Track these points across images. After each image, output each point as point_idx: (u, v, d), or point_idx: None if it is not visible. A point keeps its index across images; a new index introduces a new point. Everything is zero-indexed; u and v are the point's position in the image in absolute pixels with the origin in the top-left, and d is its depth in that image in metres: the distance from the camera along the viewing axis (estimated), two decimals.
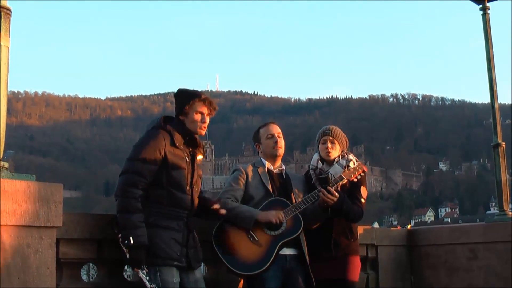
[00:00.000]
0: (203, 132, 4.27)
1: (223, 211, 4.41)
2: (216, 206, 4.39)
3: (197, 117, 4.21)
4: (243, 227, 4.55)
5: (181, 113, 4.21)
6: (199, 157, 4.27)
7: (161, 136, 4.04)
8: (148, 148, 3.99)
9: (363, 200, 4.97)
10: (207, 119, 4.25)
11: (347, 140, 5.17)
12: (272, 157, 4.90)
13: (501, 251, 6.36)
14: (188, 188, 4.12)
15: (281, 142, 4.89)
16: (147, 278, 3.83)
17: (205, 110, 4.24)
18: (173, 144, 4.07)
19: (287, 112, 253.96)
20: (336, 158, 5.03)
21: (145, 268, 3.85)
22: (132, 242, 3.78)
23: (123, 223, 3.84)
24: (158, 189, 4.01)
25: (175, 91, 4.35)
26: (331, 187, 4.64)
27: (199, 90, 4.48)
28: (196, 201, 4.21)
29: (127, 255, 3.83)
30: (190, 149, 4.22)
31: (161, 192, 4.01)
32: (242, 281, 4.90)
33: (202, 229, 4.41)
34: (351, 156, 5.04)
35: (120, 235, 3.84)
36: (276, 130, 4.91)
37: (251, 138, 5.05)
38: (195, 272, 4.17)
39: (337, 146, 5.06)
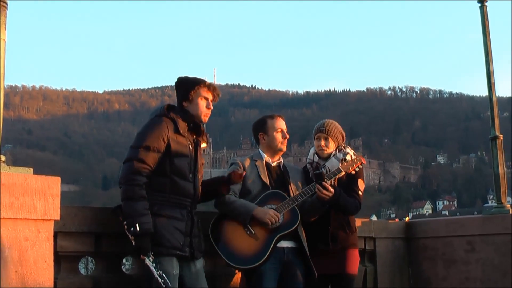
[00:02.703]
0: (207, 118, 4.28)
1: (243, 171, 4.48)
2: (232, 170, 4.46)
3: (203, 102, 4.22)
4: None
5: (185, 99, 4.21)
6: (203, 144, 4.27)
7: (165, 124, 4.04)
8: (152, 136, 3.98)
9: (360, 193, 4.94)
10: (211, 105, 4.26)
11: (343, 134, 5.11)
12: (276, 152, 4.89)
13: (499, 243, 6.37)
14: (191, 176, 4.11)
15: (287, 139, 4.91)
16: (154, 265, 3.82)
17: (209, 96, 4.26)
18: (176, 131, 4.07)
19: (284, 105, 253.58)
20: (333, 151, 5.00)
21: (151, 255, 3.83)
22: (138, 229, 3.78)
23: (128, 211, 3.83)
24: (161, 177, 3.99)
25: (175, 80, 4.32)
26: (327, 182, 4.62)
27: None
28: (199, 189, 4.21)
29: (133, 243, 3.83)
30: (194, 136, 4.22)
31: (164, 180, 4.00)
32: (239, 274, 4.90)
33: (200, 222, 4.41)
34: (348, 150, 5.00)
35: (125, 223, 3.83)
36: (284, 125, 4.91)
37: (254, 127, 4.98)
38: (196, 263, 4.16)
39: (331, 143, 5.01)
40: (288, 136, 4.88)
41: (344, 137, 5.13)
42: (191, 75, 4.31)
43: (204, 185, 4.35)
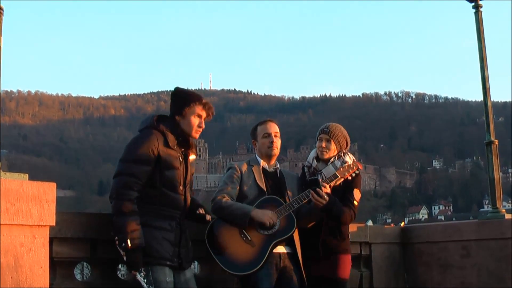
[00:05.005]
0: (197, 135, 4.27)
1: (208, 217, 4.44)
2: (201, 211, 4.40)
3: (195, 120, 4.20)
4: (236, 226, 4.55)
5: (178, 114, 4.19)
6: (192, 156, 4.26)
7: (154, 137, 4.02)
8: (142, 149, 3.97)
9: (355, 203, 4.91)
10: (203, 124, 4.25)
11: (347, 140, 5.08)
12: (267, 156, 4.88)
13: (494, 248, 6.37)
14: (181, 188, 4.11)
15: (277, 142, 4.87)
16: (145, 280, 3.82)
17: (203, 114, 4.24)
18: (166, 144, 4.05)
19: (280, 110, 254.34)
20: (332, 159, 4.98)
21: (142, 271, 3.84)
22: (129, 245, 3.77)
23: (119, 226, 3.82)
24: (151, 189, 3.99)
25: (172, 89, 4.33)
26: (321, 190, 4.61)
27: (193, 89, 4.47)
28: (189, 200, 4.21)
29: (124, 258, 3.82)
30: (182, 149, 4.21)
31: (154, 192, 4.00)
32: (236, 279, 4.90)
33: (195, 228, 4.42)
34: (347, 158, 4.98)
35: (116, 238, 3.82)
36: (273, 129, 4.89)
37: (249, 135, 5.02)
38: (185, 272, 4.16)
39: (333, 146, 4.99)
40: (274, 140, 4.84)
41: (349, 142, 5.11)
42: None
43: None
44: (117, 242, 3.82)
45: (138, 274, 3.83)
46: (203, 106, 4.23)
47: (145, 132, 4.07)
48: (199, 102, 4.21)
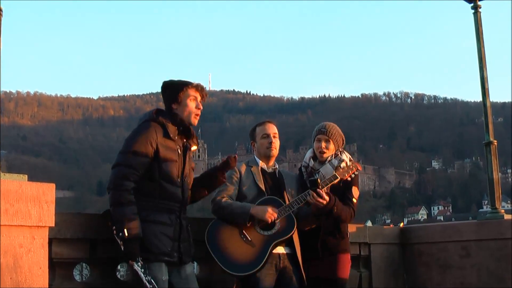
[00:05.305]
0: (197, 120, 4.28)
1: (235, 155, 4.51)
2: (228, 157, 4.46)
3: (192, 104, 4.22)
4: (236, 227, 4.56)
5: (174, 102, 4.20)
6: (193, 147, 4.28)
7: (153, 129, 4.03)
8: (140, 141, 3.98)
9: (354, 201, 4.93)
10: (201, 105, 4.27)
11: (343, 138, 5.10)
12: (266, 157, 4.89)
13: (493, 249, 6.37)
14: (179, 180, 4.11)
15: (276, 143, 4.88)
16: (142, 270, 3.82)
17: (198, 96, 4.26)
18: (166, 135, 4.07)
19: (279, 111, 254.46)
20: (329, 157, 5.00)
21: (140, 261, 3.83)
22: (126, 234, 3.78)
23: (116, 216, 3.84)
24: (149, 182, 4.00)
25: (161, 85, 4.33)
26: (321, 190, 4.60)
27: None
28: (188, 193, 4.21)
29: (122, 248, 3.83)
30: (184, 140, 4.22)
31: (152, 185, 4.01)
32: (235, 280, 4.90)
33: (195, 229, 4.41)
34: (344, 156, 4.99)
35: (114, 228, 3.83)
36: (272, 130, 4.90)
37: (248, 136, 5.05)
38: (186, 268, 4.16)
39: (332, 146, 5.01)
40: (273, 140, 4.86)
41: (344, 140, 5.13)
42: (181, 80, 4.31)
43: (198, 180, 4.38)
44: (114, 231, 3.83)
45: (135, 264, 3.83)
46: (196, 88, 4.25)
47: (144, 125, 4.09)
48: (191, 85, 4.24)
